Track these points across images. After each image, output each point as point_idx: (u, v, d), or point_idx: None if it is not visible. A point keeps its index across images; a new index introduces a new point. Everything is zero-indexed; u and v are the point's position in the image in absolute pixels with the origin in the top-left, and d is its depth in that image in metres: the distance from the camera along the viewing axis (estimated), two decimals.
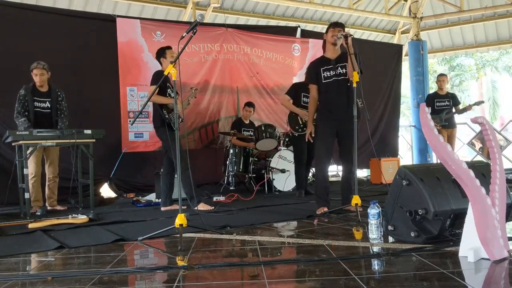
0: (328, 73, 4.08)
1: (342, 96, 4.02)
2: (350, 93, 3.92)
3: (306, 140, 4.29)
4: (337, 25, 4.09)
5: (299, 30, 8.07)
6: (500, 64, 22.16)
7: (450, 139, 6.91)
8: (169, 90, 4.48)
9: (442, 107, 6.91)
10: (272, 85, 7.45)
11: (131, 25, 6.34)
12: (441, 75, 7.29)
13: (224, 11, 8.30)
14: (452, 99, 6.97)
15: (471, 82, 22.55)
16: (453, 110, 6.86)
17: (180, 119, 4.49)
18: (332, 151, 4.19)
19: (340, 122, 4.02)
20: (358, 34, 10.48)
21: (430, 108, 6.96)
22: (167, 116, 4.36)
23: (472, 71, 22.36)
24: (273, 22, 9.38)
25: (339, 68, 4.06)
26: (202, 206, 4.39)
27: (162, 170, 4.71)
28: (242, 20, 9.07)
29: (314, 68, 4.18)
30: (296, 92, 5.47)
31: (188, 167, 4.25)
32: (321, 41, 8.42)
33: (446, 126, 6.85)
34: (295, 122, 5.40)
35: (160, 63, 4.54)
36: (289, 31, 8.05)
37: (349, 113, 3.86)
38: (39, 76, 4.68)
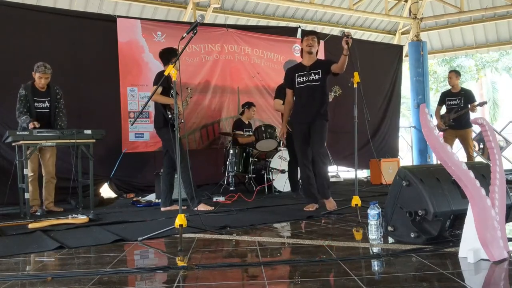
0: (301, 79, 4.37)
1: (313, 100, 4.30)
2: (322, 97, 4.27)
3: (279, 139, 4.53)
4: (310, 34, 4.44)
5: (299, 31, 8.07)
6: (500, 65, 22.16)
7: (463, 141, 6.47)
8: (172, 91, 4.47)
9: (453, 105, 6.50)
10: (273, 86, 7.42)
11: (132, 25, 6.35)
12: (449, 72, 6.82)
13: (224, 11, 8.31)
14: (464, 96, 6.47)
15: (471, 83, 22.55)
16: (465, 108, 6.35)
17: (180, 120, 4.50)
18: (308, 150, 4.38)
19: (310, 124, 4.29)
20: (358, 35, 10.50)
21: (442, 106, 6.63)
22: (170, 117, 4.36)
23: (472, 72, 22.35)
24: (273, 23, 9.39)
25: (312, 74, 4.33)
26: (202, 207, 4.39)
27: (162, 171, 4.71)
28: (242, 20, 9.08)
29: (290, 74, 4.49)
30: (284, 92, 5.46)
31: (189, 167, 4.26)
32: (321, 42, 8.48)
33: (455, 126, 6.41)
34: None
35: (167, 63, 4.48)
36: (290, 32, 8.06)
37: (319, 114, 4.23)
38: (43, 80, 4.66)
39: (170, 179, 4.61)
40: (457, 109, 6.45)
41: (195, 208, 4.31)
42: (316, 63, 4.36)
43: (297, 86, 4.39)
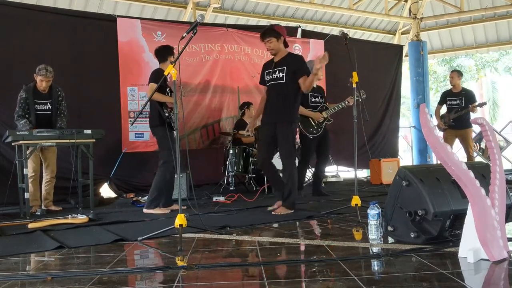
0: (268, 77, 4.13)
1: (276, 100, 4.03)
2: (285, 97, 3.97)
3: (246, 133, 4.34)
4: (263, 37, 4.05)
5: (299, 30, 8.08)
6: (500, 65, 22.17)
7: (463, 142, 6.48)
8: (168, 89, 4.48)
9: (453, 106, 6.52)
10: None
11: (132, 25, 6.35)
12: (451, 71, 6.83)
13: (224, 11, 8.31)
14: (465, 96, 6.48)
15: (471, 83, 22.57)
16: (466, 109, 6.38)
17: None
18: (273, 150, 4.29)
19: (275, 126, 4.02)
20: (358, 34, 10.50)
21: (442, 106, 6.65)
22: (167, 115, 4.35)
23: (472, 72, 22.36)
24: (273, 23, 9.37)
25: (277, 72, 4.05)
26: (157, 210, 4.36)
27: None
28: (242, 20, 9.08)
29: (262, 70, 4.25)
30: (303, 93, 5.40)
31: (173, 170, 4.24)
32: (321, 42, 8.46)
33: (455, 126, 6.43)
34: (308, 124, 5.30)
35: (163, 61, 4.49)
36: (290, 32, 8.04)
37: (281, 116, 3.96)
38: (45, 83, 4.65)
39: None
40: (457, 109, 6.47)
41: (148, 210, 4.33)
42: (283, 59, 4.06)
43: (266, 84, 4.18)
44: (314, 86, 5.40)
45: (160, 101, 4.37)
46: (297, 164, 5.66)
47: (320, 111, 5.35)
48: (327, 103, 5.51)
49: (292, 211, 4.05)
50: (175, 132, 4.51)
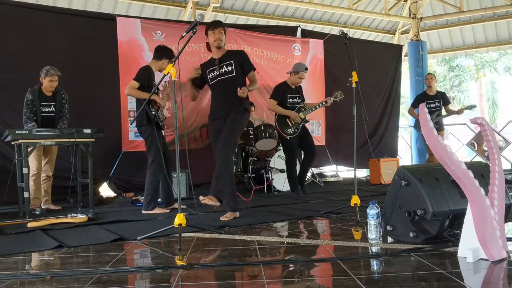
0: (213, 74, 4.06)
1: (227, 94, 3.98)
2: (234, 90, 3.86)
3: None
4: (216, 26, 3.95)
5: (299, 30, 8.07)
6: (499, 65, 22.20)
7: None
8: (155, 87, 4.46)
9: (432, 109, 6.68)
10: (273, 85, 7.41)
11: (132, 24, 6.34)
12: (428, 74, 7.04)
13: (224, 10, 8.30)
14: (442, 99, 6.71)
15: (471, 83, 22.59)
16: (443, 112, 6.69)
17: (164, 116, 4.49)
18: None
19: (227, 116, 3.95)
20: (358, 34, 10.50)
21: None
22: (154, 113, 4.32)
23: (471, 72, 22.39)
24: (273, 22, 9.39)
25: (224, 67, 4.02)
26: (157, 210, 4.36)
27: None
28: (242, 20, 9.07)
29: (203, 70, 4.14)
30: (282, 94, 5.38)
31: (164, 169, 4.22)
32: (320, 41, 8.44)
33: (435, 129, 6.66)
34: (285, 125, 5.31)
35: (157, 59, 4.46)
36: (289, 31, 8.06)
37: (239, 105, 3.92)
38: (54, 83, 4.69)
39: (163, 177, 4.53)
40: (439, 112, 6.65)
41: (146, 211, 4.30)
42: (227, 55, 4.04)
43: (210, 82, 4.07)
44: (292, 86, 5.44)
45: (147, 100, 4.30)
46: (286, 166, 5.65)
47: (297, 111, 5.34)
48: (305, 103, 5.51)
49: (218, 204, 3.87)
50: (163, 131, 4.53)
